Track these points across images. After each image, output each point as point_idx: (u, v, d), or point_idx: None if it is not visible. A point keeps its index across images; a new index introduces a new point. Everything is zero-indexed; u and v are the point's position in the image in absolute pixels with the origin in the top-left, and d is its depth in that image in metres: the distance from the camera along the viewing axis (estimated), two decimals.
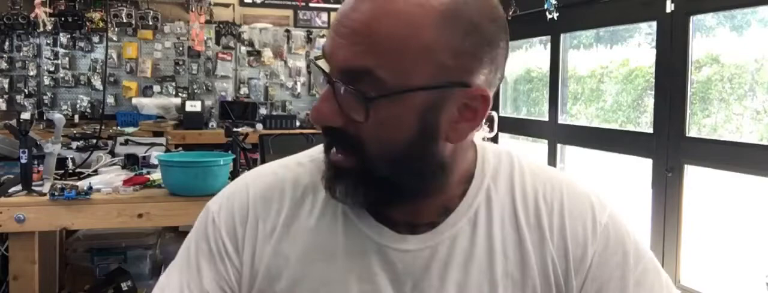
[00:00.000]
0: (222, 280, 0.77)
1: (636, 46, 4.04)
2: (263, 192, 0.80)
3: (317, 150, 0.82)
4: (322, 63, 0.69)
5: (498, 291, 0.73)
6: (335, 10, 5.67)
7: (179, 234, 3.75)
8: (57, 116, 2.40)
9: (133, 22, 5.16)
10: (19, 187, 2.19)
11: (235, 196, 0.81)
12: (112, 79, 5.35)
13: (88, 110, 5.31)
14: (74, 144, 2.87)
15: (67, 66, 5.28)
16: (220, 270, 0.77)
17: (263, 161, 3.12)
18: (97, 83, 5.31)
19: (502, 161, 0.81)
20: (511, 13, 4.19)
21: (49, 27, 4.75)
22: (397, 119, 0.66)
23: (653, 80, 3.35)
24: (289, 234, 0.77)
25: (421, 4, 0.64)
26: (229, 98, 5.51)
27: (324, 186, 0.73)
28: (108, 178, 2.38)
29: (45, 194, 2.16)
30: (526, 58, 5.00)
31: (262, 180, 0.81)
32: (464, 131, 0.70)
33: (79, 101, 5.31)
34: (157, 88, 5.45)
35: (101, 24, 5.09)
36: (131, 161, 2.63)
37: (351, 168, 0.69)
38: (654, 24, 3.34)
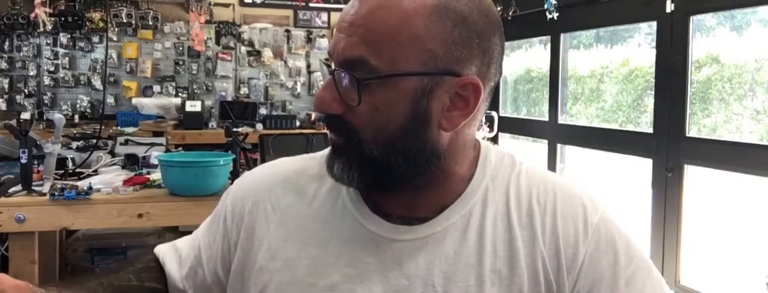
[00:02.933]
0: (211, 241, 0.89)
1: (636, 46, 4.04)
2: (270, 177, 0.87)
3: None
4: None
5: (485, 286, 0.75)
6: (335, 10, 5.68)
7: (179, 234, 3.75)
8: (57, 116, 2.40)
9: (133, 22, 5.16)
10: (19, 187, 2.19)
11: (248, 178, 0.91)
12: (112, 79, 5.36)
13: (88, 110, 5.31)
14: (74, 144, 2.87)
15: (67, 66, 5.29)
16: (213, 233, 0.89)
17: (263, 161, 3.12)
18: (97, 83, 5.31)
19: (504, 162, 0.83)
20: (511, 13, 4.20)
21: (49, 27, 4.75)
22: (389, 104, 0.71)
23: (653, 80, 3.35)
24: (289, 218, 0.83)
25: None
26: (229, 98, 5.51)
27: (326, 167, 0.78)
28: (108, 178, 2.38)
29: (45, 194, 2.16)
30: (526, 58, 5.00)
31: (274, 167, 0.90)
32: (456, 119, 0.74)
33: (79, 101, 5.32)
34: (157, 88, 5.45)
35: (101, 24, 5.09)
36: (131, 161, 2.63)
37: (345, 147, 0.74)
38: (654, 24, 3.34)
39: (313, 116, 5.49)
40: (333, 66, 0.73)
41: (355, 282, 0.77)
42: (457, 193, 0.79)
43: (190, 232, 0.96)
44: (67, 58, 5.28)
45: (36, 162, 2.32)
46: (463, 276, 0.76)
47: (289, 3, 5.63)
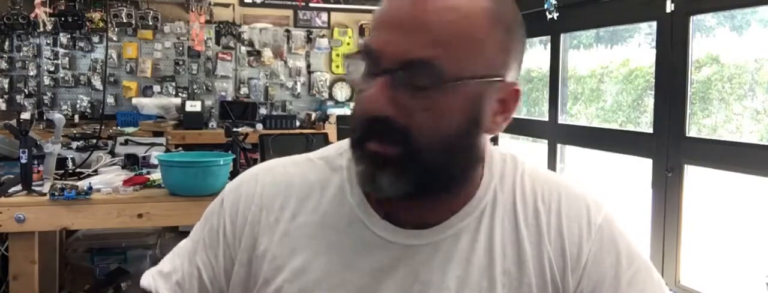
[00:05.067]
0: (213, 259, 0.83)
1: (636, 46, 4.04)
2: (271, 185, 0.83)
3: (328, 151, 0.85)
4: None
5: (496, 288, 0.75)
6: (335, 10, 5.68)
7: (179, 233, 3.75)
8: (57, 116, 2.40)
9: (133, 22, 5.16)
10: (19, 187, 2.19)
11: (244, 185, 0.85)
12: (112, 79, 5.36)
13: (88, 110, 5.31)
14: (74, 144, 2.87)
15: (67, 66, 5.29)
16: (214, 250, 0.83)
17: (263, 161, 3.12)
18: (97, 83, 5.31)
19: (507, 164, 0.83)
20: None
21: (49, 27, 4.74)
22: (450, 108, 0.69)
23: (653, 80, 3.35)
24: (294, 227, 0.80)
25: (474, 2, 0.69)
26: (229, 98, 5.51)
27: (362, 179, 0.73)
28: (108, 178, 2.38)
29: (45, 194, 2.16)
30: (526, 58, 4.99)
31: (271, 173, 0.85)
32: (500, 124, 0.75)
33: (79, 101, 5.31)
34: (157, 88, 5.45)
35: (101, 24, 5.09)
36: (131, 161, 2.63)
37: (395, 156, 0.69)
38: (654, 24, 3.34)
39: (313, 116, 5.49)
40: (376, 63, 0.68)
41: (371, 290, 0.76)
42: (469, 196, 0.79)
43: (189, 233, 0.92)
44: (67, 58, 5.28)
45: (36, 162, 2.32)
46: (476, 278, 0.76)
47: (289, 3, 5.63)
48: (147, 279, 0.87)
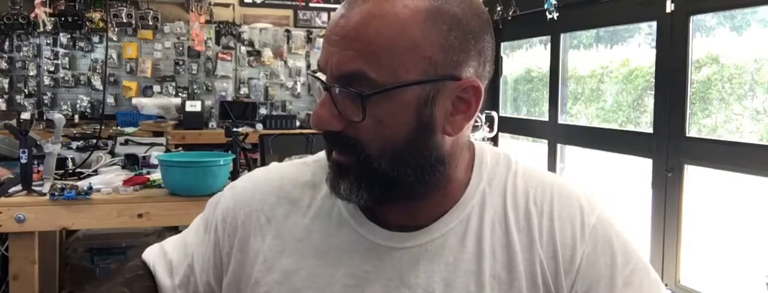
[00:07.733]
0: (204, 251, 0.85)
1: (636, 46, 4.05)
2: (263, 186, 0.84)
3: (325, 154, 0.85)
4: (319, 75, 0.73)
5: (485, 291, 0.74)
6: (335, 10, 5.68)
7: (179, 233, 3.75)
8: (57, 116, 2.40)
9: (133, 22, 5.16)
10: (19, 187, 2.19)
11: (239, 186, 0.87)
12: (112, 79, 5.36)
13: (88, 110, 5.31)
14: (74, 144, 2.87)
15: (67, 66, 5.29)
16: (205, 244, 0.86)
17: (263, 161, 3.12)
18: (97, 83, 5.31)
19: (500, 164, 0.82)
20: (511, 13, 4.20)
21: (49, 27, 4.75)
22: (393, 116, 0.69)
23: (653, 80, 3.35)
24: (285, 229, 0.81)
25: (406, 5, 0.68)
26: (229, 98, 5.51)
27: (328, 186, 0.75)
28: (108, 178, 2.37)
29: (45, 194, 2.16)
30: (526, 58, 5.00)
31: (265, 175, 0.87)
32: (460, 123, 0.72)
33: (79, 101, 5.32)
34: (157, 88, 5.45)
35: (101, 24, 5.09)
36: (131, 161, 2.62)
37: (352, 165, 0.72)
38: (654, 24, 3.34)
39: None
40: (323, 79, 0.71)
41: (356, 292, 0.76)
42: (455, 198, 0.78)
43: None
44: (67, 58, 5.28)
45: (36, 162, 2.32)
46: (463, 282, 0.75)
47: (289, 3, 5.63)
48: (151, 253, 0.90)
